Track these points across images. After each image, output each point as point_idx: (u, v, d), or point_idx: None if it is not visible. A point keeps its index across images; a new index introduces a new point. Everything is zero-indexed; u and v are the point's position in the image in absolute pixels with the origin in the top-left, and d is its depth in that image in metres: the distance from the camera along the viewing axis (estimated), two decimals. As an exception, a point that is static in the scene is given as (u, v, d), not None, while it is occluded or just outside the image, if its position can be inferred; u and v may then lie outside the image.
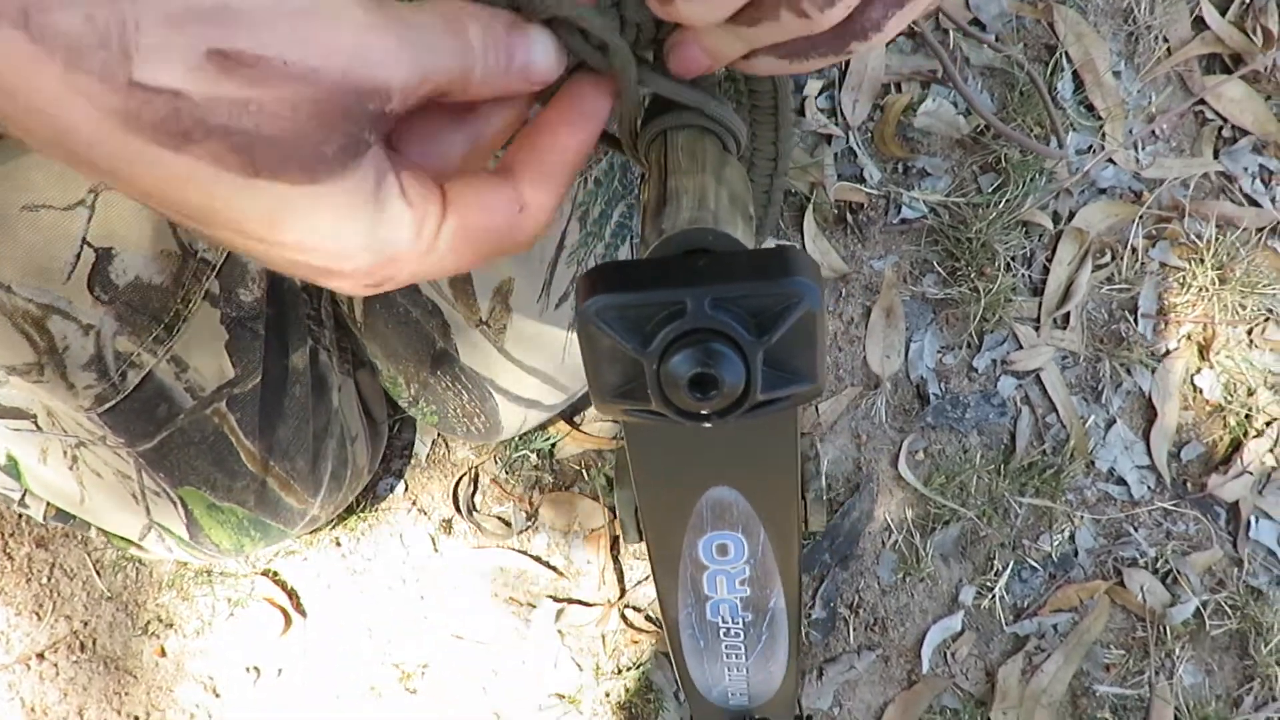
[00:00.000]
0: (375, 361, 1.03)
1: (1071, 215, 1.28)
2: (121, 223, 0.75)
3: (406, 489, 1.21)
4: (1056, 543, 1.24)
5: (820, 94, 1.27)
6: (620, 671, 1.18)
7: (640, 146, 0.48)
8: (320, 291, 0.98)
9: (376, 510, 1.20)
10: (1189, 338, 1.28)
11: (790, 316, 0.35)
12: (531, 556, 1.20)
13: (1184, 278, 1.28)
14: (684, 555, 0.50)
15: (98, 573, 1.17)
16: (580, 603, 1.20)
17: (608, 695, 1.19)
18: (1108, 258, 1.29)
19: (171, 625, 1.17)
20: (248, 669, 1.17)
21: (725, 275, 0.35)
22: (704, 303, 0.35)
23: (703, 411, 0.36)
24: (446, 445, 1.22)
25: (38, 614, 1.16)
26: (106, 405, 0.82)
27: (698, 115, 0.46)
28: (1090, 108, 1.30)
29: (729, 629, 0.58)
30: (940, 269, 1.27)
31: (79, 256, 0.74)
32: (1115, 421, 1.27)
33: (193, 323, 0.83)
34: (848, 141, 1.26)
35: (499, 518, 1.21)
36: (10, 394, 0.86)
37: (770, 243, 0.42)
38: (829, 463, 1.24)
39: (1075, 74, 1.30)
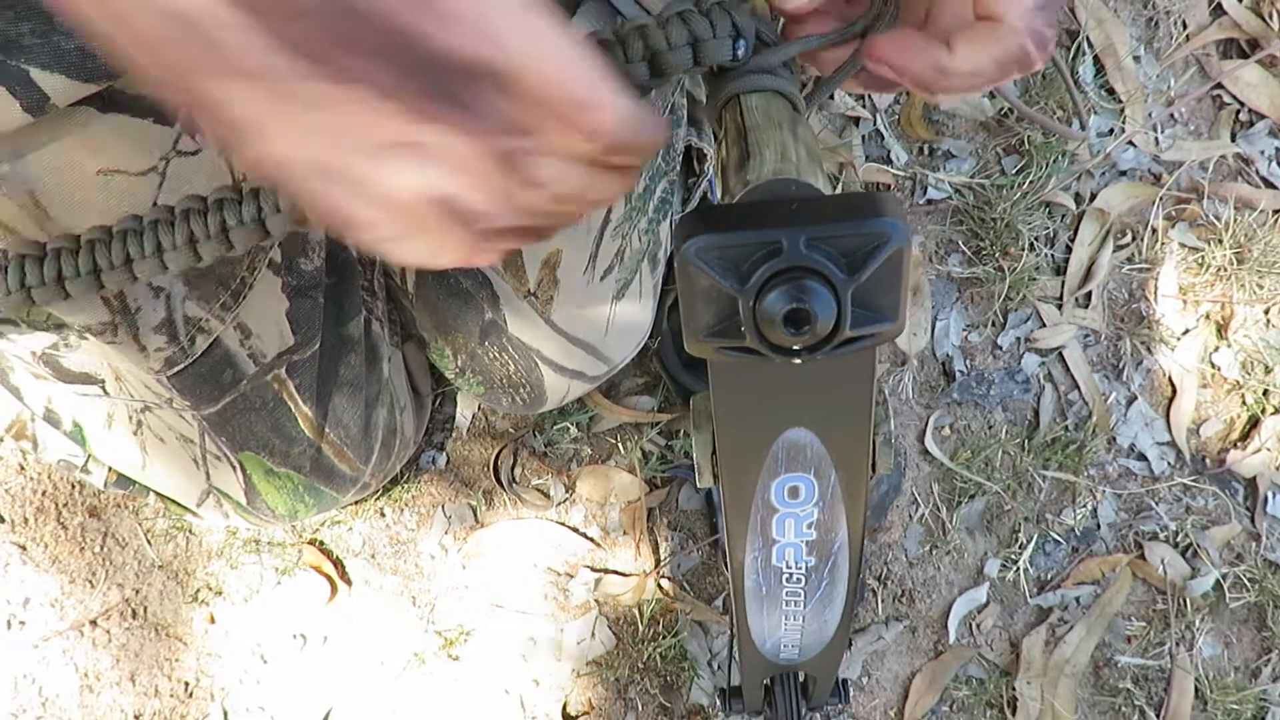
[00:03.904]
0: (424, 333, 1.06)
1: (1093, 196, 1.31)
2: (191, 189, 0.78)
3: (448, 462, 1.24)
4: (1079, 517, 1.27)
5: (849, 78, 1.30)
6: (656, 639, 1.21)
7: (714, 109, 0.51)
8: (374, 263, 1.01)
9: (419, 482, 1.23)
10: (1208, 317, 1.31)
11: (881, 255, 0.38)
12: (569, 527, 1.24)
13: (1203, 258, 1.31)
14: (756, 498, 0.53)
15: (149, 542, 1.20)
16: (617, 573, 1.23)
17: (644, 663, 1.22)
18: (1128, 238, 1.32)
19: (221, 593, 1.21)
20: (295, 636, 1.20)
21: (818, 216, 0.38)
22: (799, 242, 0.37)
23: (795, 347, 0.39)
24: (486, 419, 1.25)
25: (90, 582, 1.19)
26: (176, 368, 0.85)
27: (770, 78, 0.50)
28: (1111, 91, 1.33)
29: (792, 574, 0.60)
30: (965, 249, 1.30)
31: None
32: (1136, 398, 1.30)
33: (257, 290, 0.86)
34: (875, 124, 1.30)
35: (538, 489, 1.24)
36: (80, 359, 0.89)
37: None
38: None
39: (1096, 58, 1.33)
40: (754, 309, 0.39)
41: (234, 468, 0.99)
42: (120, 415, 0.98)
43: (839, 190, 1.28)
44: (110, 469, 1.06)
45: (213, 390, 0.90)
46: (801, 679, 0.84)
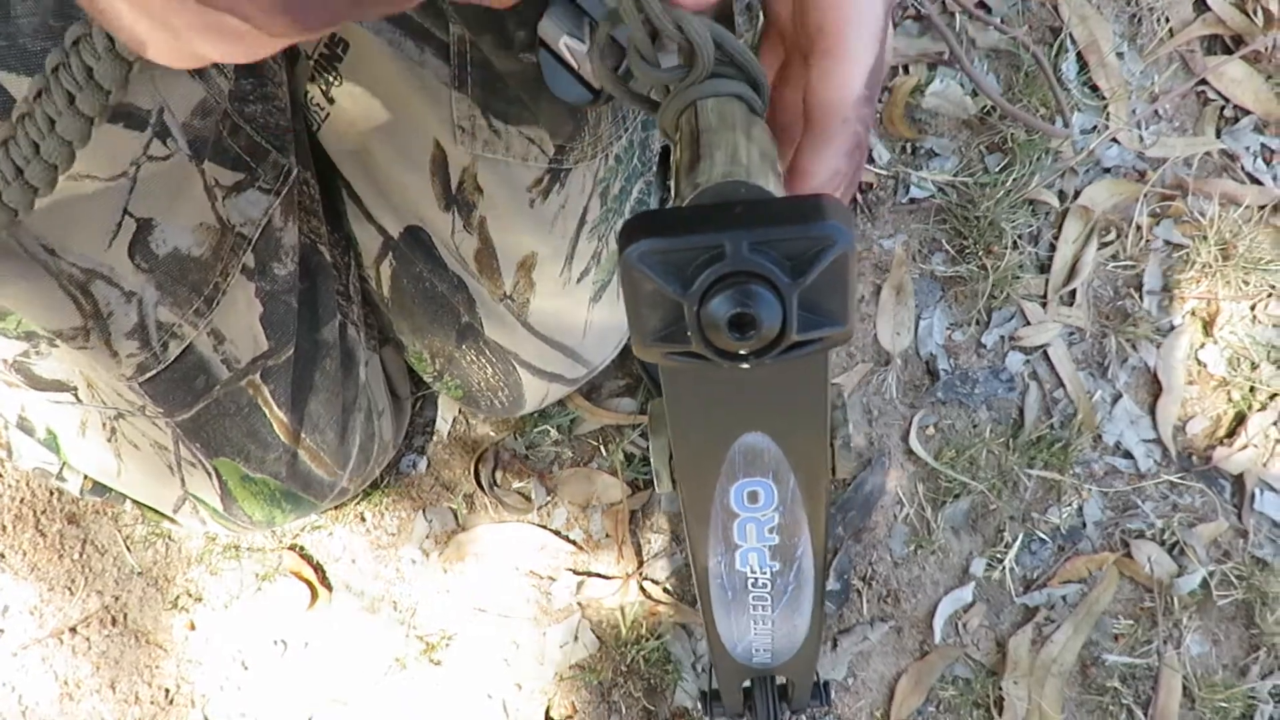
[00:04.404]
0: (401, 337, 1.06)
1: (1077, 194, 1.31)
2: (162, 195, 0.77)
3: (429, 465, 1.24)
4: (1065, 515, 1.27)
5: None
6: (639, 642, 1.21)
7: (670, 115, 0.50)
8: (348, 266, 1.00)
9: (400, 486, 1.23)
10: (1193, 313, 1.30)
11: (825, 259, 0.37)
12: (551, 530, 1.23)
13: (1188, 255, 1.30)
14: (715, 502, 0.53)
15: (128, 548, 1.20)
16: (599, 575, 1.23)
17: (627, 666, 1.21)
18: (1113, 235, 1.31)
19: (201, 599, 1.20)
20: (275, 642, 1.20)
21: (762, 220, 0.37)
22: (742, 246, 0.37)
23: (741, 352, 0.39)
24: (467, 422, 1.24)
25: (70, 589, 1.19)
26: (148, 375, 0.84)
27: (727, 83, 0.49)
28: (1094, 88, 1.33)
29: (757, 579, 0.60)
30: (949, 247, 1.29)
31: (120, 225, 0.76)
32: (1121, 396, 1.29)
33: (230, 296, 0.86)
34: (857, 123, 1.29)
35: (519, 493, 1.24)
36: (51, 366, 0.89)
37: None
38: (841, 438, 1.26)
39: (1079, 55, 1.33)
40: (698, 314, 0.38)
41: (209, 474, 0.99)
42: (94, 422, 0.97)
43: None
44: (86, 476, 1.05)
45: (185, 396, 0.89)
46: (781, 682, 0.84)
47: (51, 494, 1.19)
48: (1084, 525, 1.27)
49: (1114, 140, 1.32)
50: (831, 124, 0.49)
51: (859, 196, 1.28)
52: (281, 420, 0.96)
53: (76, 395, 0.93)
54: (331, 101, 0.90)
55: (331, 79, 0.88)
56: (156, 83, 0.74)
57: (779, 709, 0.83)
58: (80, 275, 0.77)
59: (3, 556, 1.18)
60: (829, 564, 1.24)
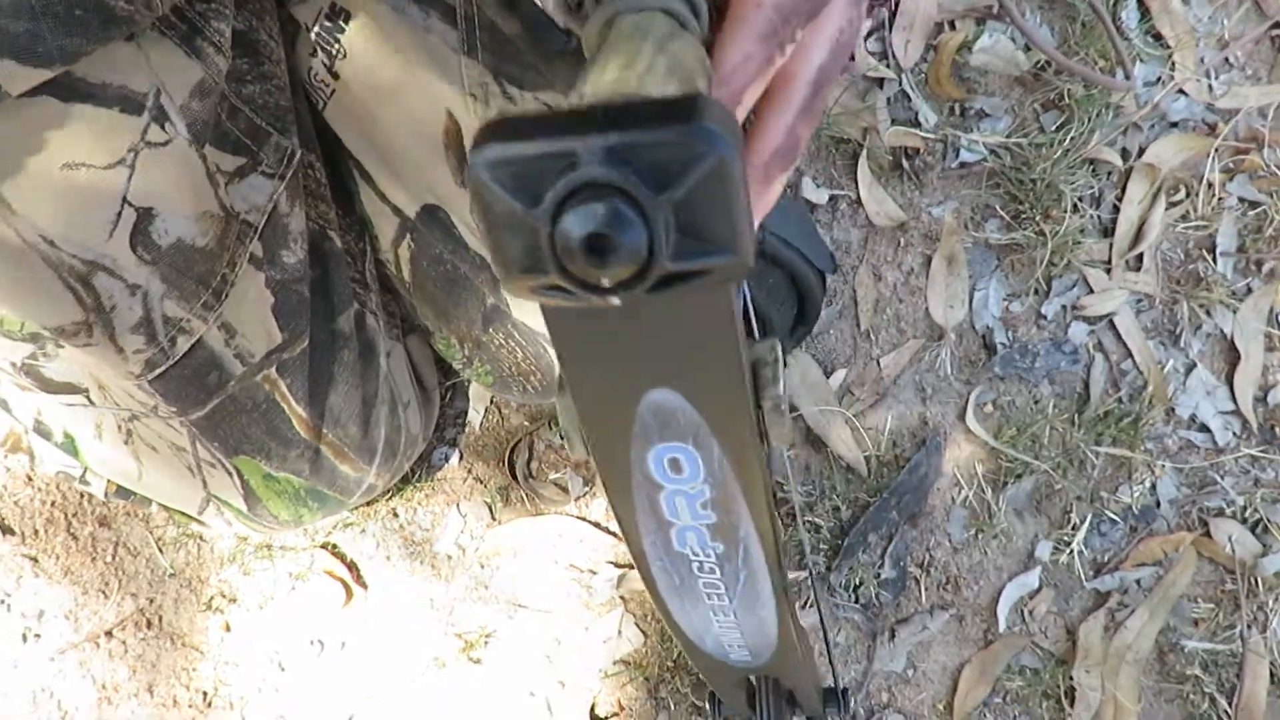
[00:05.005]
0: (426, 323, 1.03)
1: (1141, 151, 1.22)
2: (163, 182, 0.75)
3: (461, 458, 1.20)
4: (1137, 494, 1.19)
5: (869, 36, 1.23)
6: (684, 636, 1.16)
7: (592, 32, 0.46)
8: (364, 252, 0.97)
9: (433, 480, 1.19)
10: (1271, 275, 1.21)
11: (696, 169, 0.31)
12: (590, 522, 1.19)
13: (1264, 212, 1.21)
14: (634, 471, 0.47)
15: (160, 550, 1.18)
16: (641, 568, 1.18)
17: (674, 660, 1.16)
18: (1182, 194, 1.23)
19: (235, 600, 1.18)
20: (312, 642, 1.17)
21: (624, 123, 0.32)
22: (597, 152, 0.32)
23: (604, 283, 0.33)
24: (499, 412, 1.21)
25: (104, 592, 1.18)
26: (157, 371, 0.82)
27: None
28: (1158, 36, 1.24)
29: (701, 563, 0.53)
30: (1003, 213, 1.22)
31: (119, 215, 0.74)
32: (1195, 365, 1.21)
33: (239, 287, 0.83)
34: (900, 84, 1.22)
35: (556, 484, 1.20)
36: (61, 368, 0.87)
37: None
38: (893, 418, 1.20)
39: (1140, 1, 1.24)
40: (552, 236, 0.33)
41: (230, 474, 0.96)
42: (109, 425, 0.95)
43: (864, 153, 1.21)
44: (109, 480, 1.04)
45: (198, 393, 0.87)
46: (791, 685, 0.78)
47: (82, 497, 1.18)
48: (1158, 504, 1.19)
49: (1180, 92, 1.23)
50: (745, 7, 0.46)
51: (905, 163, 1.22)
52: (301, 415, 0.93)
53: (89, 398, 0.92)
54: (336, 77, 0.87)
55: (335, 52, 0.85)
56: (152, 64, 0.72)
57: (785, 712, 0.77)
58: (81, 267, 0.75)
59: (36, 561, 1.18)
60: (884, 550, 1.18)
